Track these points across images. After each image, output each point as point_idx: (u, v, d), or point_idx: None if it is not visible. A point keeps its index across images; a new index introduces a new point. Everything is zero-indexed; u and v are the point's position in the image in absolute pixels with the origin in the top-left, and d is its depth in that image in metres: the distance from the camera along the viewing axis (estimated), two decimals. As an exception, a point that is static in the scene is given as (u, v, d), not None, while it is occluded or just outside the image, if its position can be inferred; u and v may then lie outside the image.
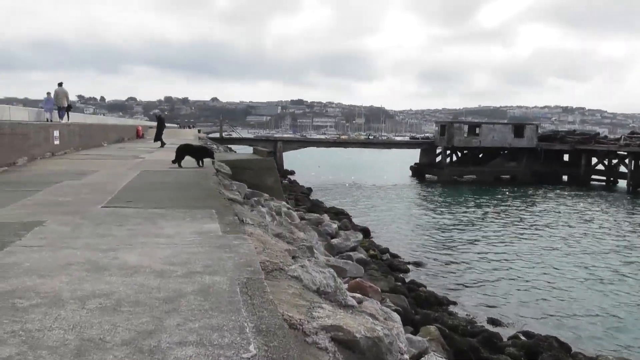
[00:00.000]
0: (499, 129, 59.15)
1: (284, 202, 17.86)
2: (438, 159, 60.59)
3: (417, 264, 19.91)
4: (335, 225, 16.23)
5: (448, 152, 59.35)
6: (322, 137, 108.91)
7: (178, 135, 46.45)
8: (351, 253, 14.71)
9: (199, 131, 62.64)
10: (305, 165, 62.42)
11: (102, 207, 7.22)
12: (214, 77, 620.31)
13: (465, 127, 59.54)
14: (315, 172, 58.13)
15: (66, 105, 22.05)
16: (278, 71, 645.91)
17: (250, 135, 74.90)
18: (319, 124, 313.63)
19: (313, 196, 39.16)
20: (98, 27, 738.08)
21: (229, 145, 55.59)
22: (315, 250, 8.36)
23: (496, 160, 60.85)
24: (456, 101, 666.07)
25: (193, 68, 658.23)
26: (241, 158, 18.93)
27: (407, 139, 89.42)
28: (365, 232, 24.75)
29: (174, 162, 13.95)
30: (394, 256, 20.50)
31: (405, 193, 47.56)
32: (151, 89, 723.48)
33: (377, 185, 51.75)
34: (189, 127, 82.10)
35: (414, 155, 67.64)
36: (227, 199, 9.18)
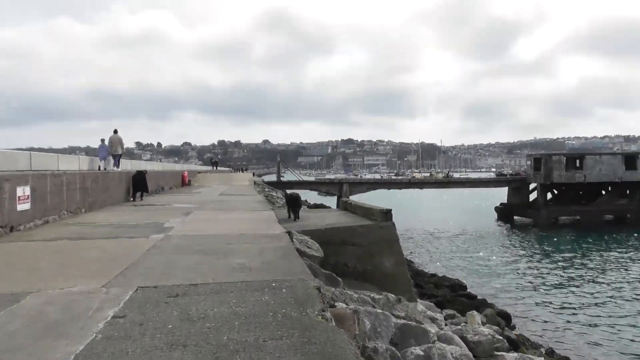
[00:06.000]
0: (606, 161, 49.83)
1: (421, 305, 9.78)
2: (532, 197, 51.56)
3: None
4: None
5: (544, 190, 50.10)
6: (377, 176, 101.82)
7: (231, 181, 39.58)
8: None
9: (253, 174, 55.81)
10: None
11: None
12: (261, 121, 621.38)
13: (564, 159, 50.03)
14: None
15: (120, 153, 20.55)
16: (322, 112, 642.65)
17: (311, 178, 67.45)
18: (370, 162, 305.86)
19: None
20: (146, 76, 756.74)
21: (287, 191, 48.31)
22: None
23: (603, 198, 51.51)
24: (507, 135, 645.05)
25: (240, 112, 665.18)
26: (337, 225, 10.99)
27: (492, 175, 79.18)
28: (507, 318, 17.17)
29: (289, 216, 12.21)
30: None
31: (502, 242, 39.08)
32: (204, 134, 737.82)
33: (462, 232, 43.41)
34: (242, 171, 75.47)
35: (484, 194, 58.11)
36: None
